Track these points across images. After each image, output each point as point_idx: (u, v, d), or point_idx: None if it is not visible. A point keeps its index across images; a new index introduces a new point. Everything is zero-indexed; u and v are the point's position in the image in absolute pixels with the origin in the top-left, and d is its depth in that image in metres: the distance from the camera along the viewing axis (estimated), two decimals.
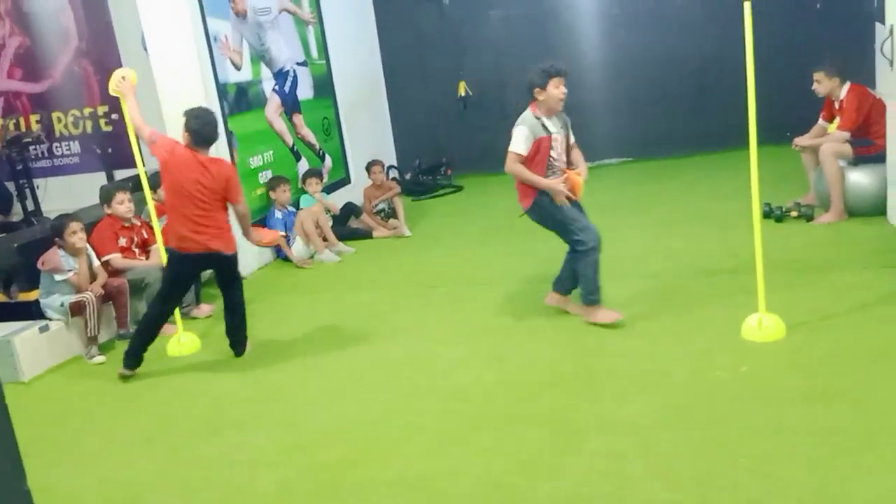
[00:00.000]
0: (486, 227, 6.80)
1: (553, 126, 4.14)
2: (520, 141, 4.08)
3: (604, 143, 8.84)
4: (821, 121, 5.72)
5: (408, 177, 8.97)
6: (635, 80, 8.65)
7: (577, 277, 4.17)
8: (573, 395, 3.43)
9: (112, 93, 4.47)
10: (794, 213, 5.51)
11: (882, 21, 5.40)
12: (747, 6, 3.49)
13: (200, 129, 4.13)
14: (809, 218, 5.44)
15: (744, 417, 3.02)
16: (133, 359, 4.29)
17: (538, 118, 4.11)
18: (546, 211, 4.13)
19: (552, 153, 4.14)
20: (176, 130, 5.87)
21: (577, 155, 4.30)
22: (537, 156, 4.08)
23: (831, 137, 5.43)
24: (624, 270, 5.03)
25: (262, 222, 6.43)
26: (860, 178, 5.28)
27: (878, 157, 5.19)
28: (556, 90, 4.04)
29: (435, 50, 9.13)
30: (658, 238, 5.68)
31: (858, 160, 5.30)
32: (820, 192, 5.56)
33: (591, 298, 4.11)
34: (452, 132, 9.28)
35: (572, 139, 4.28)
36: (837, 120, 5.48)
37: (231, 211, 4.30)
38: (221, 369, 4.34)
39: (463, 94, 9.05)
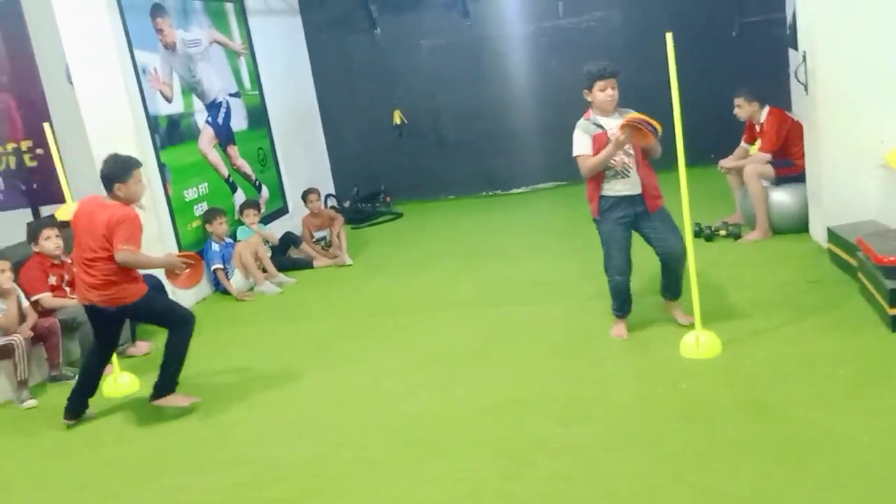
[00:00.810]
0: (428, 253, 6.83)
1: (610, 123, 3.98)
2: (577, 144, 4.00)
3: (537, 167, 9.02)
4: (743, 143, 5.98)
5: (346, 205, 8.96)
6: (565, 106, 8.86)
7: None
8: (518, 419, 3.46)
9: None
10: (722, 232, 5.73)
11: (795, 48, 5.70)
12: (669, 36, 3.65)
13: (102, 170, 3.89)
14: (737, 236, 5.67)
15: (684, 434, 3.11)
16: (72, 411, 4.13)
17: (589, 120, 4.02)
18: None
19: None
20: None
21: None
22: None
23: (754, 159, 5.68)
24: (562, 292, 5.13)
25: (200, 255, 6.30)
26: (782, 197, 5.54)
27: (799, 177, 5.46)
28: (600, 93, 3.94)
29: (368, 79, 9.19)
30: (594, 260, 5.78)
31: (780, 180, 5.56)
32: (746, 211, 5.80)
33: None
34: (389, 160, 9.33)
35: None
36: (759, 142, 5.74)
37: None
38: (161, 410, 4.21)
39: (399, 122, 9.12)
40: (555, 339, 4.33)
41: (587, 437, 3.20)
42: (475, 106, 8.96)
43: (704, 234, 5.71)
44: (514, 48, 8.87)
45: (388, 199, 9.10)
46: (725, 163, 5.96)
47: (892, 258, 3.76)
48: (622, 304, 4.21)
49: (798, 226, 5.48)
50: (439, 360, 4.31)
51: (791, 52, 6.97)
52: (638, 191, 4.01)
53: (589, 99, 4.03)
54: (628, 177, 3.99)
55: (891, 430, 2.89)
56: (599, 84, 3.93)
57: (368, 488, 3.06)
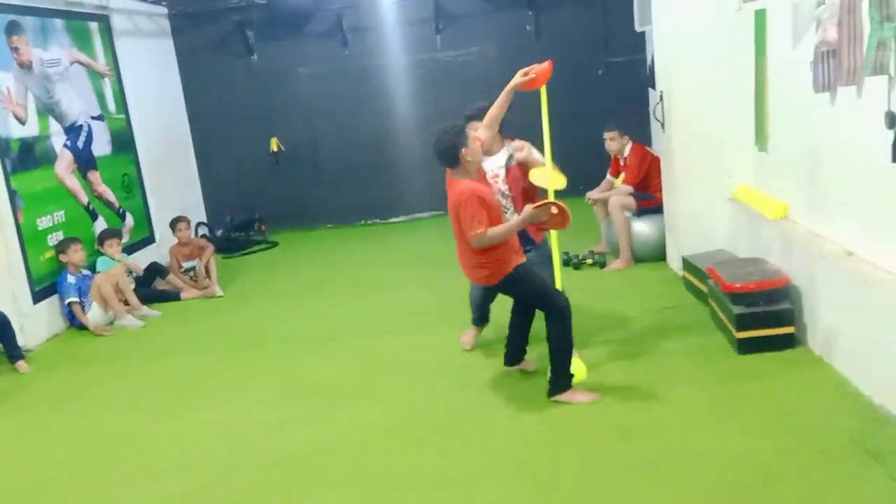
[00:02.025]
0: (304, 283, 6.71)
1: (491, 163, 4.04)
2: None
3: (415, 197, 9.10)
4: (608, 176, 6.30)
5: (219, 233, 8.66)
6: None
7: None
8: (399, 452, 3.44)
9: None
10: (589, 261, 5.99)
11: (654, 87, 6.09)
12: (543, 89, 3.82)
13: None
14: (602, 265, 5.93)
15: (559, 459, 3.19)
16: None
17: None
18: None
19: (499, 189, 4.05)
20: None
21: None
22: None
23: (618, 191, 5.99)
24: (443, 321, 5.16)
25: (53, 288, 5.90)
26: (643, 228, 5.86)
27: (658, 209, 5.80)
28: (473, 143, 3.74)
29: (244, 105, 9.00)
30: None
31: (641, 211, 5.89)
32: (610, 240, 6.10)
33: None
34: (265, 188, 9.13)
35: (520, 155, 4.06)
36: (622, 175, 6.06)
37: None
38: (12, 455, 3.88)
39: (275, 149, 8.96)
40: (432, 369, 4.34)
41: (468, 468, 3.21)
42: (353, 135, 8.95)
43: (573, 262, 5.94)
44: (393, 79, 8.96)
45: (262, 227, 8.88)
46: (592, 194, 6.25)
47: (737, 285, 4.04)
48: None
49: (657, 255, 5.82)
50: (315, 392, 4.22)
51: (651, 91, 7.43)
52: None
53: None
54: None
55: (745, 449, 3.07)
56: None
57: None
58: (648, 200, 5.89)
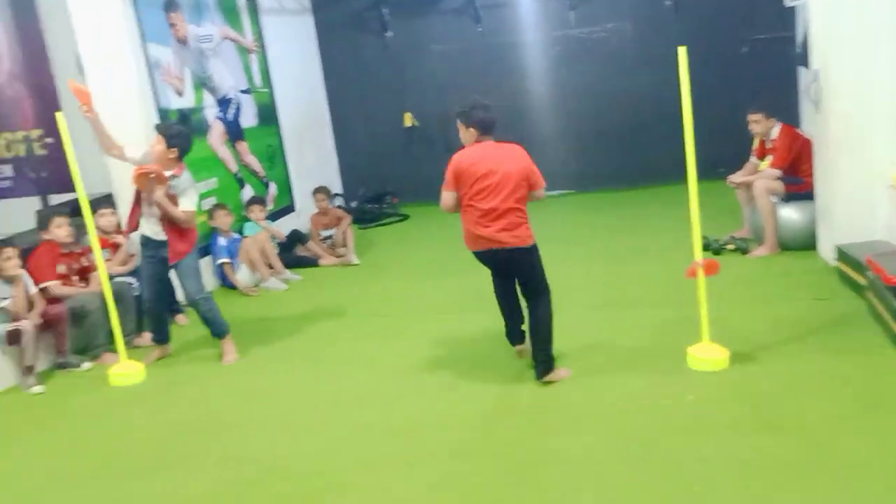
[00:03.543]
0: (434, 256, 6.84)
1: None
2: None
3: (548, 176, 8.97)
4: (753, 158, 6.01)
5: (353, 205, 8.96)
6: (574, 115, 8.91)
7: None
8: (522, 427, 3.46)
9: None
10: (730, 247, 5.75)
11: (806, 65, 5.74)
12: (682, 51, 3.67)
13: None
14: (745, 251, 5.69)
15: (693, 448, 3.11)
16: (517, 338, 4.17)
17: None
18: None
19: None
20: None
21: None
22: None
23: (763, 175, 5.71)
24: (566, 302, 5.12)
25: (206, 249, 6.32)
26: (791, 214, 5.56)
27: (807, 195, 5.48)
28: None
29: (379, 81, 9.22)
30: (598, 270, 5.82)
31: (789, 197, 5.59)
32: (754, 226, 5.83)
33: None
34: (398, 162, 9.34)
35: None
36: (769, 158, 5.77)
37: None
38: (167, 400, 4.23)
39: (410, 124, 9.14)
40: (559, 348, 4.31)
41: (593, 447, 3.20)
42: None
43: (712, 247, 5.74)
44: (525, 56, 8.91)
45: (395, 200, 9.11)
46: (735, 178, 5.99)
47: None
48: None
49: (806, 243, 5.50)
50: (443, 364, 4.31)
51: (801, 69, 7.01)
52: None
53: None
54: None
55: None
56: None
57: (374, 488, 3.06)
58: (798, 185, 5.58)
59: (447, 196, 3.94)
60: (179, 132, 4.55)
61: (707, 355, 3.81)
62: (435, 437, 3.46)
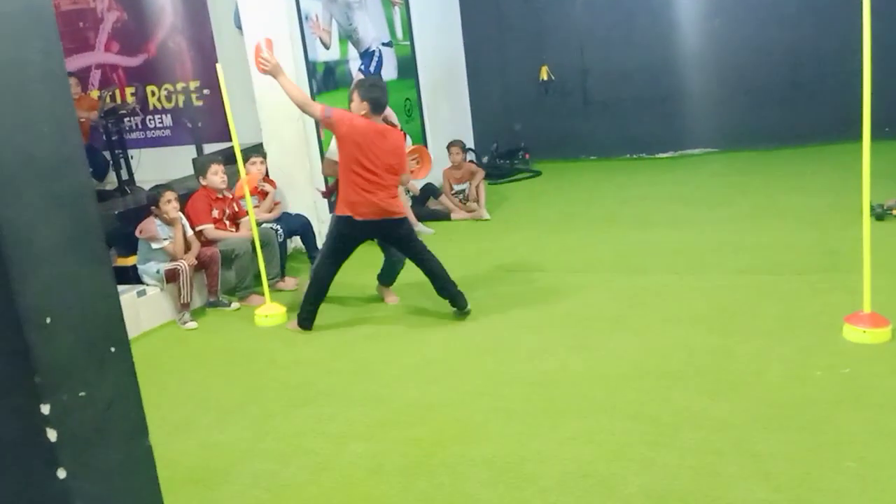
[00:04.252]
0: (565, 213, 6.74)
1: None
2: None
3: (687, 133, 8.64)
4: None
5: (485, 160, 8.95)
6: (726, 68, 8.41)
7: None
8: (661, 389, 3.37)
9: (260, 72, 4.40)
10: (895, 212, 5.28)
11: None
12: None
13: (379, 97, 4.29)
14: None
15: (845, 421, 2.92)
16: (307, 320, 4.54)
17: None
18: None
19: None
20: (267, 108, 6.01)
21: None
22: None
23: None
24: (707, 264, 4.91)
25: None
26: None
27: None
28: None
29: (517, 34, 9.07)
30: (745, 232, 5.52)
31: None
32: None
33: None
34: (532, 116, 9.21)
35: None
36: None
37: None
38: (307, 341, 4.44)
39: (545, 78, 8.96)
40: (699, 311, 4.17)
41: (738, 413, 3.07)
42: (625, 66, 8.65)
43: (875, 212, 5.28)
44: (675, 5, 8.45)
45: (527, 156, 9.02)
46: None
47: None
48: None
49: None
50: (578, 321, 4.26)
51: None
52: None
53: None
54: None
55: None
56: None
57: (510, 439, 3.09)
58: None
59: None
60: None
61: (867, 326, 3.54)
62: (568, 392, 3.43)
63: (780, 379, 3.32)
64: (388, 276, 4.94)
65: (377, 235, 4.53)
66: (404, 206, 4.58)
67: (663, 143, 8.77)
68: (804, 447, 2.78)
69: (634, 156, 8.88)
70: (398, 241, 4.49)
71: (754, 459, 2.74)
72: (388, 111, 7.33)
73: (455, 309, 4.45)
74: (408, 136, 7.57)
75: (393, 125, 4.55)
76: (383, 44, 7.35)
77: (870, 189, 3.65)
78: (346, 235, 4.37)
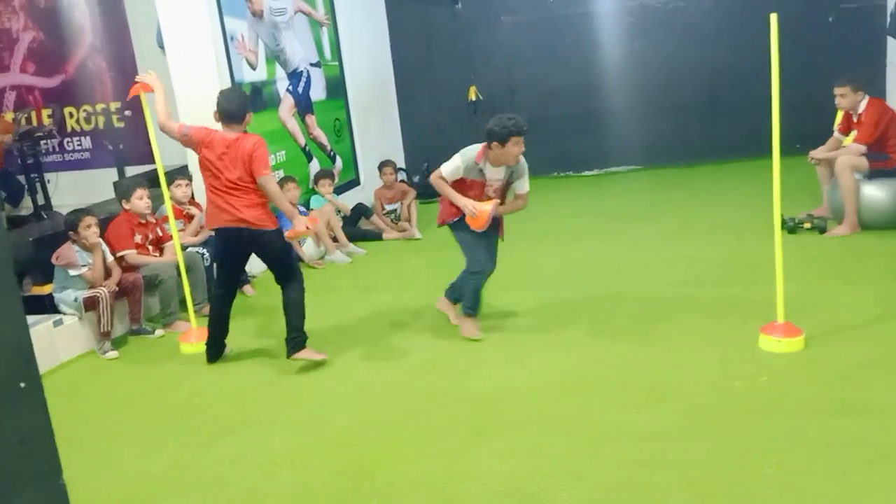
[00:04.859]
0: None
1: (493, 173, 4.23)
2: (449, 167, 4.21)
3: (613, 151, 8.87)
4: (836, 133, 5.74)
5: (416, 179, 8.97)
6: (648, 88, 8.68)
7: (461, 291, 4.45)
8: (588, 403, 3.43)
9: (140, 88, 4.35)
10: (807, 225, 5.53)
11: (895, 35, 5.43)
12: (773, 18, 3.50)
13: (223, 105, 4.16)
14: (822, 230, 5.46)
15: (764, 428, 3.03)
16: (213, 356, 4.39)
17: (477, 164, 4.18)
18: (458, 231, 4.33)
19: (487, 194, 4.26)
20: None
21: (516, 204, 4.40)
22: (471, 192, 4.20)
23: (847, 150, 5.45)
24: (633, 278, 5.04)
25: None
26: (875, 192, 5.30)
27: (894, 172, 5.21)
28: (514, 147, 4.06)
29: (446, 54, 9.16)
30: (669, 246, 5.69)
31: (874, 174, 5.32)
32: (833, 204, 5.58)
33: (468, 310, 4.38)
34: (462, 136, 9.26)
35: (521, 189, 4.32)
36: (854, 133, 5.49)
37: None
38: (236, 368, 4.34)
39: (474, 98, 9.07)
40: (625, 325, 4.27)
41: (662, 424, 3.14)
42: (552, 85, 8.84)
43: (788, 225, 5.52)
44: (597, 27, 8.70)
45: None
46: (817, 153, 5.74)
47: None
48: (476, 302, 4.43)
49: (889, 222, 5.26)
50: (509, 338, 4.30)
51: (891, 40, 6.64)
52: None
53: (495, 151, 4.09)
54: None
55: None
56: (515, 139, 4.03)
57: (442, 459, 3.08)
58: (884, 162, 5.30)
59: None
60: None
61: (781, 336, 3.68)
62: (503, 408, 3.45)
63: (701, 390, 3.42)
64: (455, 293, 4.59)
65: (246, 247, 4.27)
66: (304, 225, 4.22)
67: (589, 161, 8.98)
68: (725, 455, 2.87)
69: (562, 174, 9.05)
70: (266, 257, 4.25)
71: (678, 469, 2.81)
72: (318, 132, 7.30)
73: (287, 347, 4.18)
74: (338, 160, 7.57)
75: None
76: (311, 64, 7.31)
77: (782, 203, 3.80)
78: (221, 250, 4.32)
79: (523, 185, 4.32)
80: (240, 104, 4.17)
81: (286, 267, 4.24)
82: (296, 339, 4.15)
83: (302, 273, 4.29)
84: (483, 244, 4.33)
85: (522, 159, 4.23)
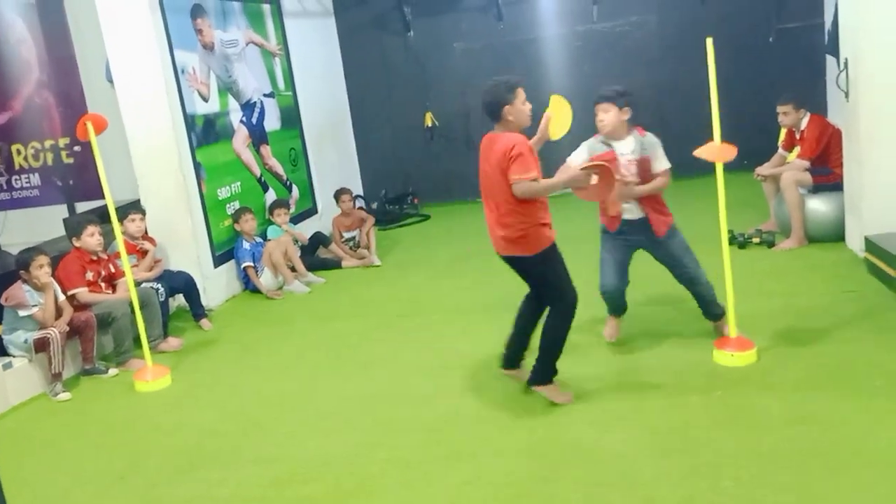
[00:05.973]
0: (456, 256, 6.83)
1: (621, 147, 4.10)
2: (572, 156, 4.15)
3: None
4: (781, 150, 5.91)
5: (374, 206, 8.99)
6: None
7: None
8: (550, 425, 3.44)
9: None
10: (756, 240, 5.67)
11: (834, 54, 5.63)
12: (709, 42, 3.63)
13: None
14: (771, 244, 5.60)
15: (721, 442, 3.07)
16: (509, 362, 3.84)
17: (597, 138, 4.13)
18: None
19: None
20: (143, 163, 5.82)
21: (657, 183, 4.02)
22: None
23: (792, 166, 5.62)
24: (589, 298, 5.08)
25: (231, 254, 6.38)
26: (819, 206, 5.46)
27: (836, 186, 5.38)
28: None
29: (401, 81, 9.23)
30: (630, 263, 5.74)
31: (817, 188, 5.49)
32: (780, 218, 5.74)
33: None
34: (419, 162, 9.35)
35: (661, 167, 4.01)
36: (797, 149, 5.67)
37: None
38: (194, 404, 4.26)
39: (430, 124, 9.14)
40: (586, 346, 4.30)
41: (621, 443, 3.17)
42: None
43: (737, 240, 5.66)
44: (547, 52, 8.87)
45: (415, 200, 9.12)
46: (762, 170, 5.90)
47: None
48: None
49: (833, 235, 5.41)
50: (469, 362, 4.30)
51: (829, 58, 6.88)
52: (640, 215, 4.02)
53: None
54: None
55: None
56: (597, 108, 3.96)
57: (407, 488, 3.06)
58: (827, 176, 5.48)
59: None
60: (623, 91, 4.08)
61: (734, 350, 3.75)
62: (463, 436, 3.45)
63: (660, 406, 3.46)
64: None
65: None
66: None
67: None
68: (684, 470, 2.90)
69: None
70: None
71: (638, 487, 2.83)
72: (273, 162, 7.27)
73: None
74: (294, 190, 7.53)
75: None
76: (265, 95, 7.30)
77: (731, 219, 3.89)
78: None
79: (662, 162, 3.98)
80: None
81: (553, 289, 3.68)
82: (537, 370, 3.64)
83: (571, 298, 3.66)
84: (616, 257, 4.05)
85: (650, 134, 4.01)
